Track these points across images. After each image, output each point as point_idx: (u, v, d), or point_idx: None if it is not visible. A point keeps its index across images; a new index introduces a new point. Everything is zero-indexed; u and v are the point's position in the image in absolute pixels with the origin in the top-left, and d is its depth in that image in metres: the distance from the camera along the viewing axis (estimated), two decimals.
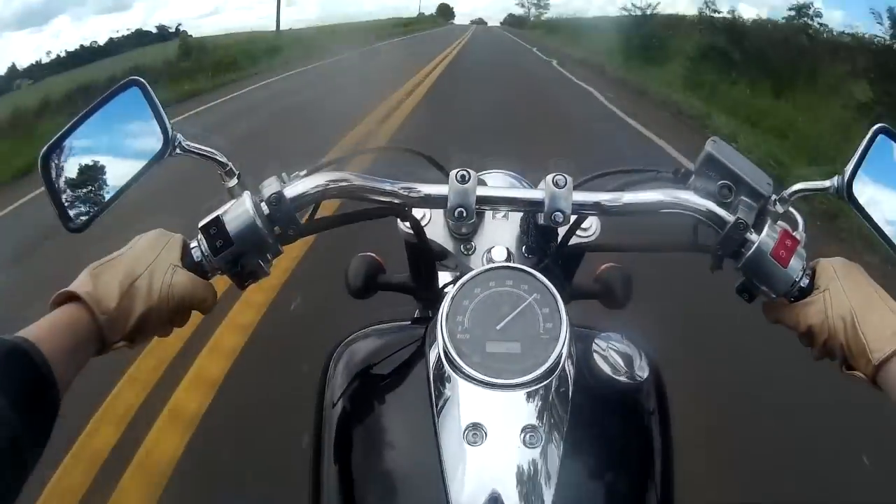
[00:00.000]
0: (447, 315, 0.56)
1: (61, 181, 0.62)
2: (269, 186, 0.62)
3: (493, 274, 0.58)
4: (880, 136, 0.62)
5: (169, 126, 0.62)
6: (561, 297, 0.58)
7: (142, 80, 0.62)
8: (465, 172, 0.63)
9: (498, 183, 0.79)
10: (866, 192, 0.62)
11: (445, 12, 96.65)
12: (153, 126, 0.62)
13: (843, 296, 0.58)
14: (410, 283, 0.79)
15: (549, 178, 0.63)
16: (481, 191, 0.63)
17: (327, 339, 0.74)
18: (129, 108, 0.63)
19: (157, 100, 0.62)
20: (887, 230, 0.62)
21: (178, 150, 0.62)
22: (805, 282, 0.61)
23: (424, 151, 0.74)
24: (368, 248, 0.85)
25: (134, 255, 0.59)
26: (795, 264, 0.60)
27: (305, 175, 0.66)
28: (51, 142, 0.62)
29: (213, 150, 0.63)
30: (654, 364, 0.62)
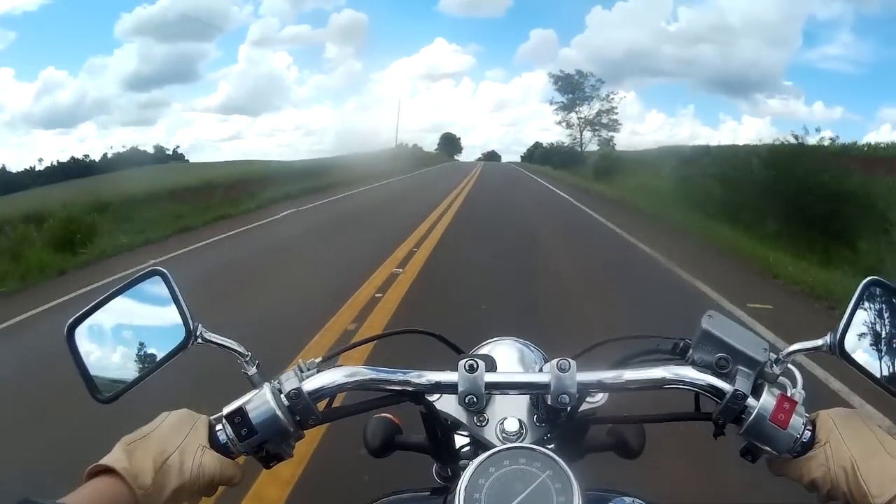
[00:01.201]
0: (464, 493, 0.61)
1: (86, 354, 0.71)
2: (289, 381, 0.70)
3: (507, 454, 0.64)
4: (870, 289, 0.70)
5: (189, 317, 0.71)
6: (574, 458, 0.64)
7: (163, 270, 0.72)
8: (473, 362, 0.71)
9: (506, 354, 0.87)
10: (861, 345, 0.69)
11: (450, 144, 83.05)
12: (175, 314, 0.71)
13: (843, 446, 0.65)
14: (427, 444, 0.84)
15: (554, 362, 0.71)
16: (490, 377, 0.71)
17: None
18: (153, 295, 0.72)
19: (177, 290, 0.71)
20: (885, 380, 0.68)
21: (199, 341, 0.71)
22: (807, 436, 0.67)
23: (435, 331, 0.83)
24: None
25: (164, 433, 0.67)
26: (796, 422, 0.67)
27: (321, 362, 0.75)
28: (76, 315, 0.71)
29: (232, 342, 0.73)
30: None
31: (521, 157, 70.17)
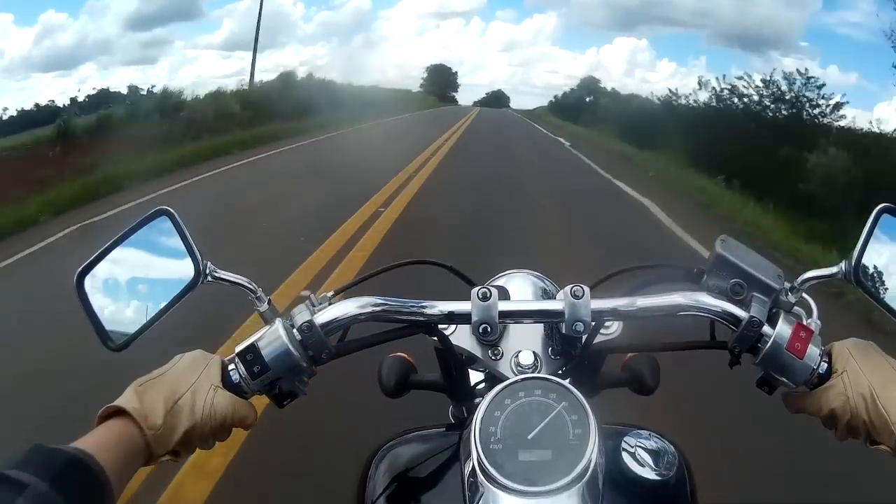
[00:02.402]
0: (480, 426, 0.64)
1: (97, 301, 0.72)
2: (300, 314, 0.73)
3: (522, 385, 0.67)
4: (884, 216, 0.71)
5: (199, 256, 0.72)
6: (589, 393, 0.67)
7: (170, 209, 0.73)
8: (486, 290, 0.74)
9: (520, 286, 0.91)
10: (875, 273, 0.71)
11: (441, 80, 61.27)
12: (184, 253, 0.73)
13: (860, 375, 0.68)
14: (442, 382, 0.88)
15: (568, 289, 0.73)
16: (503, 305, 0.74)
17: None
18: (160, 236, 0.74)
19: (186, 229, 0.73)
20: None
21: (209, 279, 0.73)
22: (823, 367, 0.70)
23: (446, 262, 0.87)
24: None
25: (176, 374, 0.69)
26: (812, 352, 0.69)
27: (333, 296, 0.78)
28: (84, 264, 0.72)
29: (242, 278, 0.75)
30: (683, 458, 0.72)
31: (551, 103, 43.40)
